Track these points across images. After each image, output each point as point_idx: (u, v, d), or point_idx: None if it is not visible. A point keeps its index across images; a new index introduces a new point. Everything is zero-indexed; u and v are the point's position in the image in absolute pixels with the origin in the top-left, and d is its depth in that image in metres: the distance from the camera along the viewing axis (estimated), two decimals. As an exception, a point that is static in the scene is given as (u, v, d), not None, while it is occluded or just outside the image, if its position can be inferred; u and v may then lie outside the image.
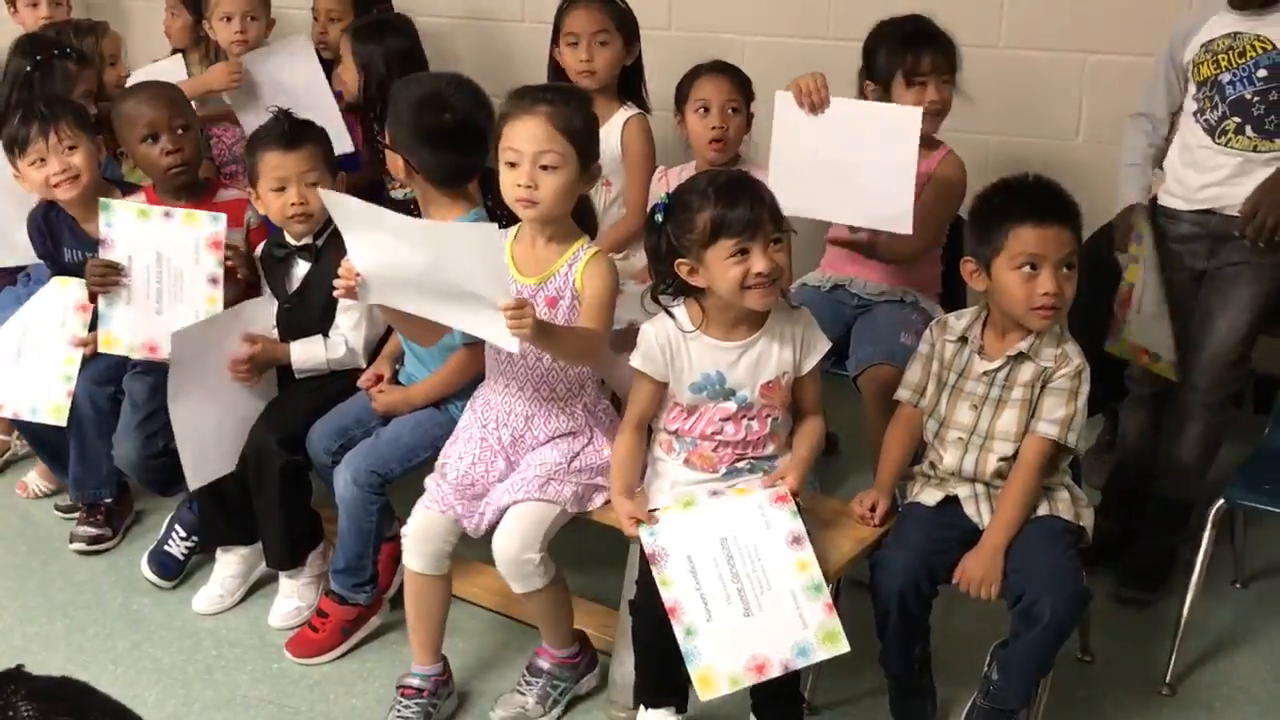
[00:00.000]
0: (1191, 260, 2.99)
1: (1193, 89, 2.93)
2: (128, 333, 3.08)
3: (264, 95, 3.63)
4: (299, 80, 3.63)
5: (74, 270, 3.24)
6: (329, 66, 4.01)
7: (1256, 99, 2.82)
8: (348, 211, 2.46)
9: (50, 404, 3.18)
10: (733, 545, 2.34)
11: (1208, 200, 2.92)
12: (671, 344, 2.45)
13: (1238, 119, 2.84)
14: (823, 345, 2.48)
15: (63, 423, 3.16)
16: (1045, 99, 3.77)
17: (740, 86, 3.19)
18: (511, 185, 2.48)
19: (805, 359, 2.47)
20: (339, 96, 3.64)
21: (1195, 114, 2.92)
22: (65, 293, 3.20)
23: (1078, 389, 2.41)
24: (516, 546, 2.47)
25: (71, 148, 3.19)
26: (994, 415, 2.46)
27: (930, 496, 2.50)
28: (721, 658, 2.27)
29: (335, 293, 2.57)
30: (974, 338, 2.49)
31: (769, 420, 2.47)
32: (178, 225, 3.02)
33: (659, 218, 2.40)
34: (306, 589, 3.01)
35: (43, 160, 3.19)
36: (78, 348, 3.16)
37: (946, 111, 3.08)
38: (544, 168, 2.45)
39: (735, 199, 2.33)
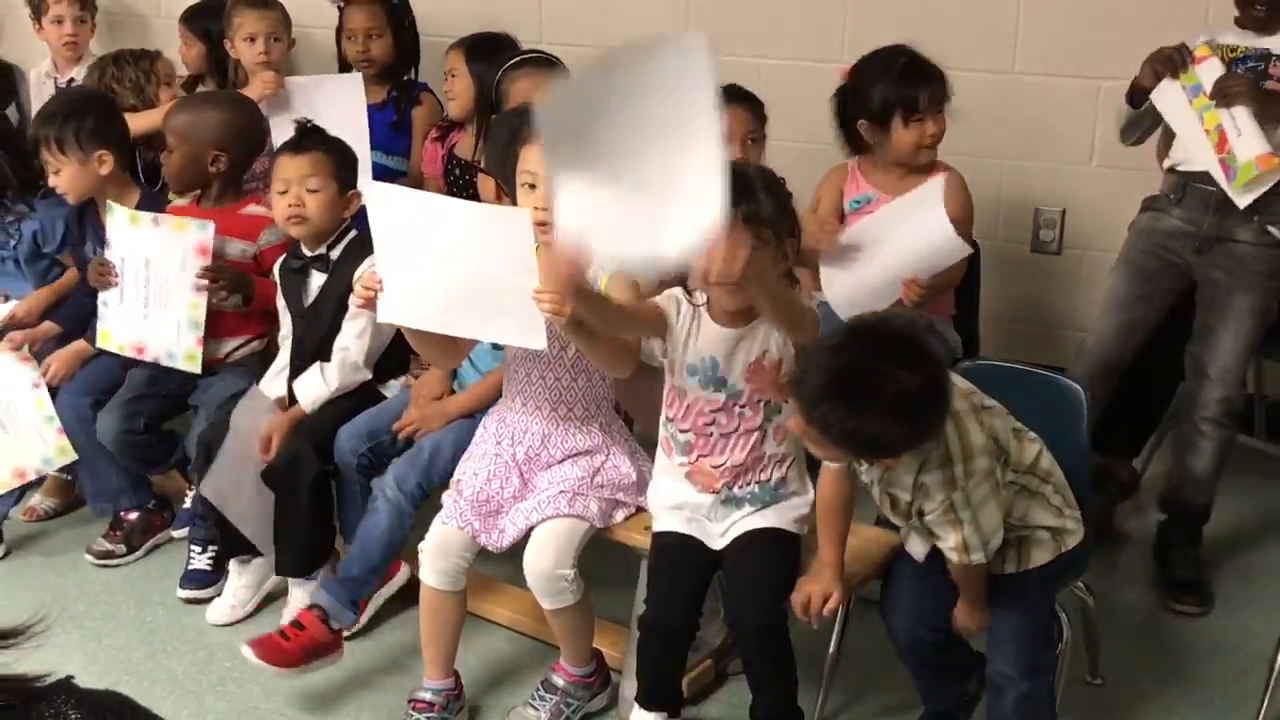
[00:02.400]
0: (1178, 247, 3.10)
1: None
2: (120, 331, 3.19)
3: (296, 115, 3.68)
4: (337, 115, 3.57)
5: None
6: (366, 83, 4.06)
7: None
8: (386, 200, 2.48)
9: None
10: None
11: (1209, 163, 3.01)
12: (684, 313, 2.41)
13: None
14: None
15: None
16: (1058, 124, 3.79)
17: (759, 116, 3.21)
18: (530, 208, 2.49)
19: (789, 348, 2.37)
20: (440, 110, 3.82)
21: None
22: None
23: (956, 517, 2.14)
24: (550, 563, 2.48)
25: (56, 172, 3.30)
26: (892, 510, 2.29)
27: (916, 547, 2.36)
28: None
29: (354, 303, 2.59)
30: None
31: (761, 405, 2.41)
32: (166, 231, 3.11)
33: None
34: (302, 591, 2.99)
35: (57, 171, 3.32)
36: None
37: (941, 139, 3.09)
38: None
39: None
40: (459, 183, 3.62)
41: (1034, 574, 2.31)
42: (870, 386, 1.99)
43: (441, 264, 2.40)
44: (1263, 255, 3.02)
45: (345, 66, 4.04)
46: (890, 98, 3.05)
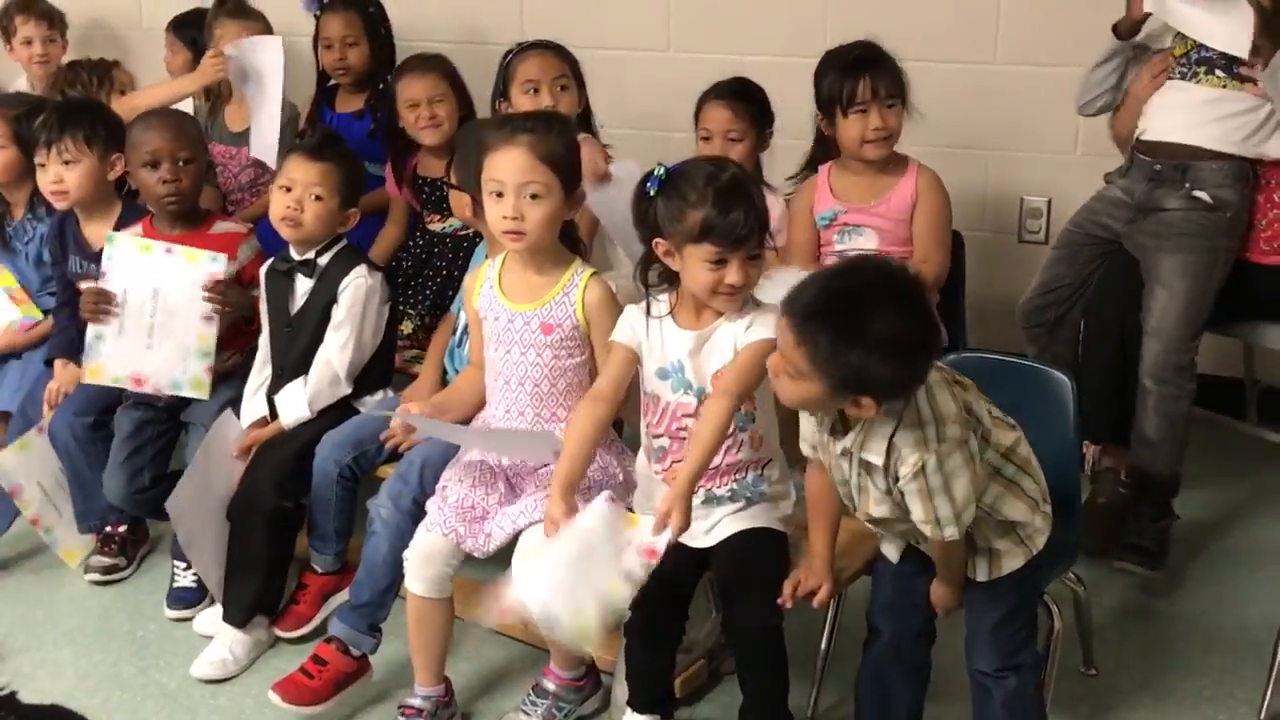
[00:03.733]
0: (1109, 221, 3.20)
1: (1174, 63, 3.15)
2: (115, 363, 3.11)
3: (251, 82, 3.73)
4: (264, 75, 3.71)
5: (75, 279, 3.30)
6: (331, 90, 4.06)
7: (1221, 57, 3.07)
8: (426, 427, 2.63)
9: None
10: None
11: (1174, 131, 3.10)
12: (648, 325, 2.40)
13: (1205, 66, 3.09)
14: (762, 331, 2.31)
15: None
16: (1042, 114, 3.79)
17: (743, 115, 3.20)
18: (498, 217, 2.49)
19: (743, 338, 2.33)
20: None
21: (1176, 76, 3.14)
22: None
23: (927, 485, 2.09)
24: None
25: (68, 162, 3.25)
26: (864, 502, 2.23)
27: (891, 548, 2.37)
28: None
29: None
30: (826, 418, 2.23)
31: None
32: (178, 262, 3.06)
33: (651, 190, 2.32)
34: (240, 645, 2.93)
35: (43, 165, 3.28)
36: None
37: (895, 137, 3.05)
38: (531, 197, 2.47)
39: (730, 205, 2.25)
40: (430, 200, 3.54)
41: (1005, 580, 2.29)
42: (865, 314, 1.98)
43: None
44: (1191, 218, 3.07)
45: (323, 75, 4.04)
46: (832, 88, 3.04)
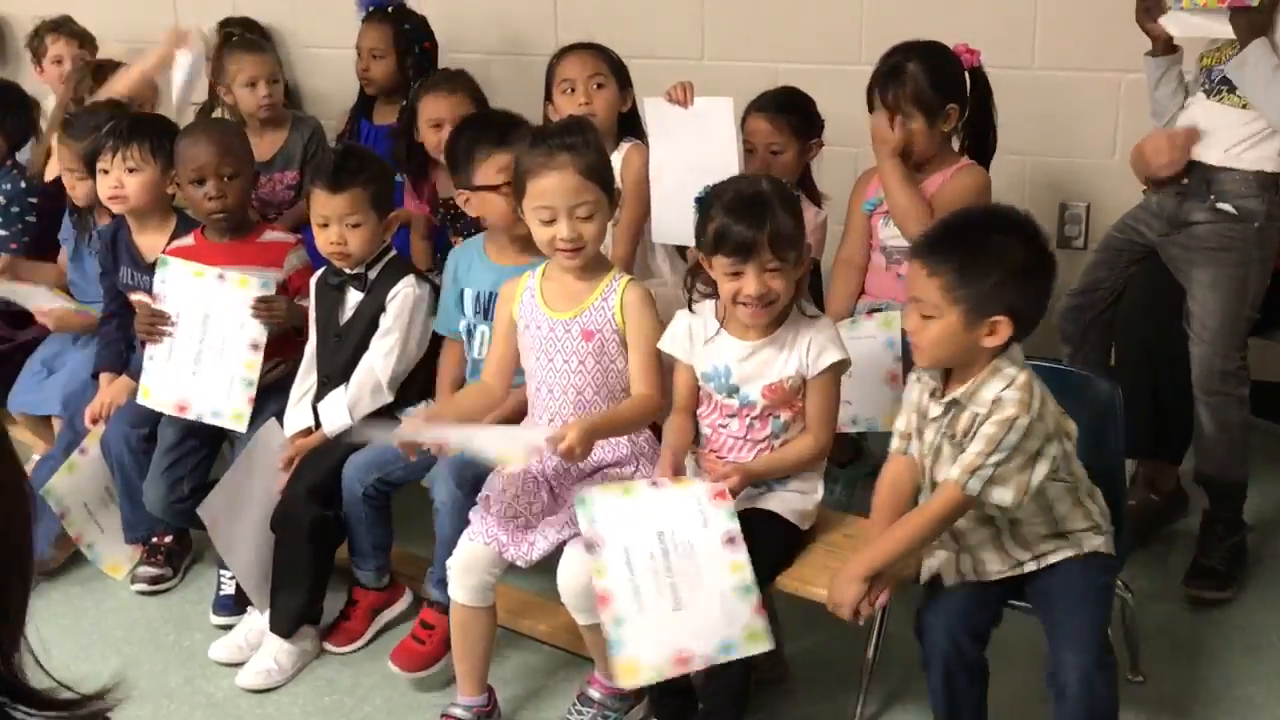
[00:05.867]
0: (1145, 230, 3.17)
1: (1201, 72, 3.11)
2: (162, 388, 3.11)
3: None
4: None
5: (125, 290, 3.34)
6: (369, 102, 4.09)
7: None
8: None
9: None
10: (669, 539, 2.36)
11: (1202, 154, 3.05)
12: (693, 330, 2.53)
13: (1227, 86, 3.02)
14: (832, 354, 2.46)
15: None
16: (1080, 119, 3.77)
17: (784, 127, 3.20)
18: (552, 239, 2.52)
19: (812, 365, 2.47)
20: None
21: (1200, 90, 3.09)
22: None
23: (1002, 438, 2.18)
24: (585, 579, 2.45)
25: (132, 170, 3.28)
26: (935, 464, 2.33)
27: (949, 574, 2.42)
28: (647, 648, 2.30)
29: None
30: (928, 379, 2.35)
31: (770, 420, 2.50)
32: (230, 288, 3.06)
33: (696, 206, 2.48)
34: (286, 656, 2.95)
35: (106, 171, 3.30)
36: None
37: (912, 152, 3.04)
38: (583, 218, 2.49)
39: (741, 216, 2.37)
40: (448, 219, 3.51)
41: (1096, 560, 2.35)
42: (990, 235, 2.22)
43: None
44: (1218, 230, 3.04)
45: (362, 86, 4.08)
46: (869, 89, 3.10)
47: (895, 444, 2.42)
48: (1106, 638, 2.32)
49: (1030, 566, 2.37)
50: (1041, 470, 2.22)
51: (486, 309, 2.88)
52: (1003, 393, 2.20)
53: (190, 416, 3.09)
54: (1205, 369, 3.03)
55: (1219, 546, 3.11)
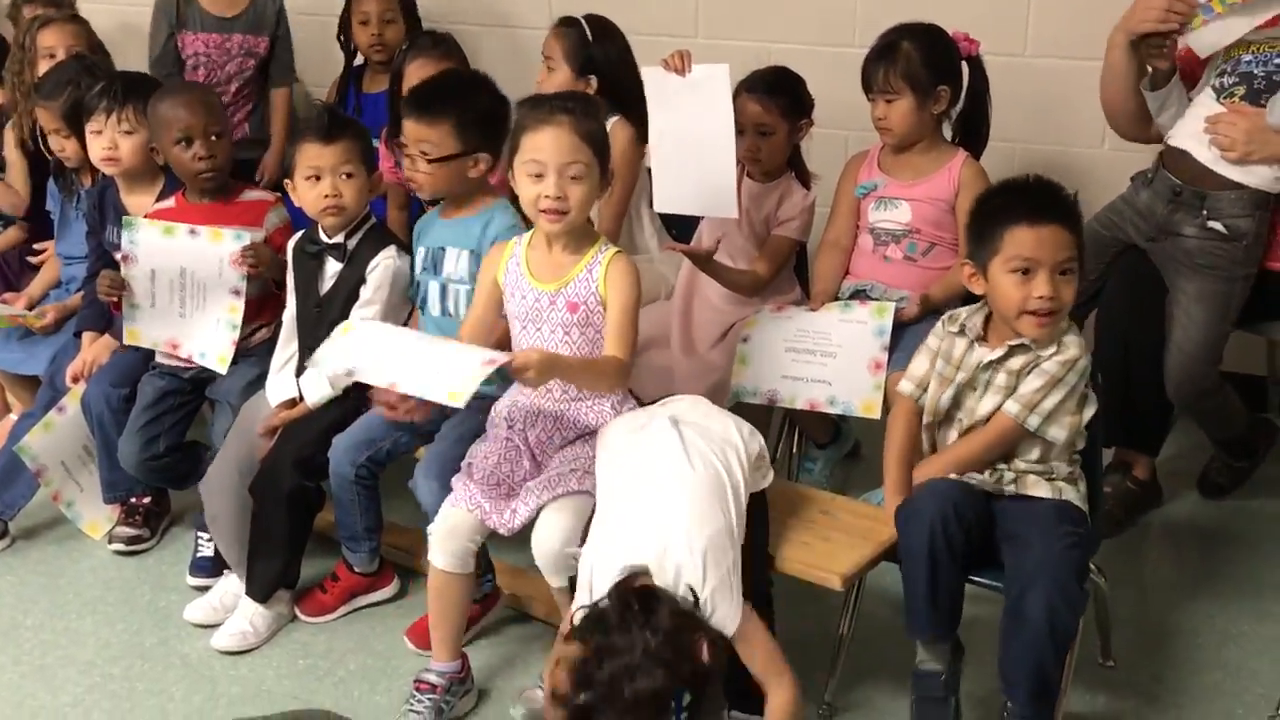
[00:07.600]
0: (1131, 230, 3.17)
1: (1214, 67, 3.06)
2: (151, 329, 3.18)
3: None
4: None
5: (111, 249, 3.30)
6: (358, 71, 4.09)
7: (1261, 75, 2.98)
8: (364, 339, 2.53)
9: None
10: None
11: (1201, 152, 3.02)
12: None
13: (1242, 87, 2.99)
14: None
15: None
16: (1071, 107, 3.77)
17: (773, 108, 3.18)
18: (537, 197, 2.51)
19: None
20: None
21: (1210, 86, 3.06)
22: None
23: (1062, 377, 2.40)
24: (558, 542, 2.47)
25: (128, 132, 3.27)
26: (979, 400, 2.48)
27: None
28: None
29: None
30: (973, 327, 2.50)
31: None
32: (203, 242, 3.09)
33: None
34: (261, 619, 2.96)
35: (99, 132, 3.29)
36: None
37: (892, 126, 3.06)
38: (572, 178, 2.48)
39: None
40: None
41: (1068, 508, 2.42)
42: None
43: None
44: (1207, 248, 3.03)
45: (351, 53, 4.06)
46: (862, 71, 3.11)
47: (909, 388, 2.60)
48: (1076, 577, 2.32)
49: (1010, 488, 2.44)
50: (1089, 412, 2.42)
51: (436, 264, 2.91)
52: (1067, 338, 2.41)
53: (181, 354, 3.14)
54: (1181, 377, 3.04)
55: (1227, 465, 3.35)
